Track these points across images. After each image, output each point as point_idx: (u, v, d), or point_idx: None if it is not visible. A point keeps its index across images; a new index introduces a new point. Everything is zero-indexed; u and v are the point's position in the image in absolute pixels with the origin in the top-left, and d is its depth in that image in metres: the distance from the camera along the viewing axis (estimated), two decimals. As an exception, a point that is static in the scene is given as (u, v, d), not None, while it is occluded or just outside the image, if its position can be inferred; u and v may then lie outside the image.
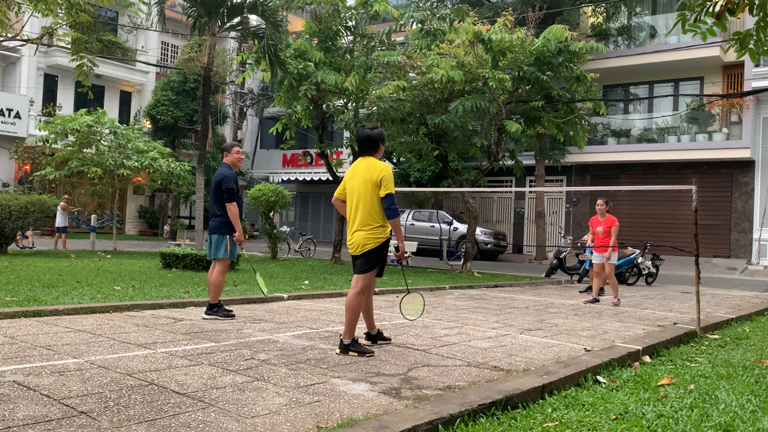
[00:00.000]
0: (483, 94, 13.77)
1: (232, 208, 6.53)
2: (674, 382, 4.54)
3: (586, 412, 3.69)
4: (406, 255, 16.47)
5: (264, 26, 15.06)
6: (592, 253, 10.28)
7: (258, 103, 32.58)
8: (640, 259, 14.22)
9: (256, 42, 15.54)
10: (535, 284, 13.46)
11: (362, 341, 5.31)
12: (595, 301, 10.08)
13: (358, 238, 5.06)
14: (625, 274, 14.19)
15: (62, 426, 2.99)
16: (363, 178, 5.07)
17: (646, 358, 5.44)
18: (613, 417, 3.61)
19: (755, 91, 18.10)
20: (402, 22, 15.59)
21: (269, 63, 14.80)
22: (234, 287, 9.15)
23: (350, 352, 4.93)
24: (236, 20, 15.60)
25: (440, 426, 3.21)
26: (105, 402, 3.41)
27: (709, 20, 4.92)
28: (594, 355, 5.14)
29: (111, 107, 29.01)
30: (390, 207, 5.00)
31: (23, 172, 25.31)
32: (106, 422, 3.07)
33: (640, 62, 22.17)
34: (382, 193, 4.99)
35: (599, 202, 10.11)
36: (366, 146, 5.20)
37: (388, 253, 5.37)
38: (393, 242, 5.78)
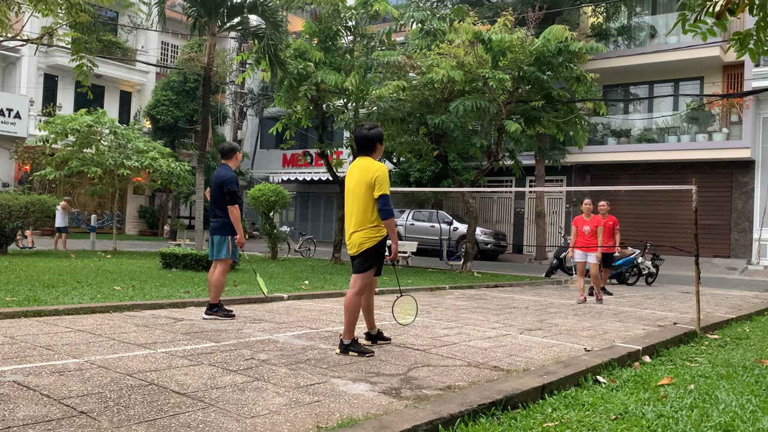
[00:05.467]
0: (483, 94, 13.77)
1: (234, 211, 6.53)
2: (674, 382, 4.54)
3: (586, 412, 3.69)
4: (405, 255, 16.57)
5: (264, 26, 15.04)
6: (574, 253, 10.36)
7: (258, 103, 32.58)
8: (640, 259, 14.22)
9: (256, 42, 15.53)
10: (535, 284, 13.45)
11: (362, 341, 5.31)
12: (599, 301, 10.10)
13: (355, 239, 5.07)
14: (625, 274, 14.20)
15: (62, 426, 2.99)
16: (359, 178, 5.08)
17: (646, 358, 5.44)
18: (613, 417, 3.61)
19: (755, 91, 18.11)
20: (402, 22, 15.59)
21: (269, 63, 14.79)
22: (234, 287, 9.15)
23: (350, 352, 4.94)
24: (236, 20, 15.58)
25: (440, 426, 3.21)
26: (105, 402, 3.41)
27: (710, 20, 4.92)
28: (594, 355, 5.14)
29: (111, 107, 29.00)
30: (383, 208, 4.99)
31: (23, 172, 25.31)
32: (106, 422, 3.08)
33: (640, 62, 22.17)
34: (376, 194, 4.98)
35: (586, 201, 10.20)
36: (363, 146, 5.20)
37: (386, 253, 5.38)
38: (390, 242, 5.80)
